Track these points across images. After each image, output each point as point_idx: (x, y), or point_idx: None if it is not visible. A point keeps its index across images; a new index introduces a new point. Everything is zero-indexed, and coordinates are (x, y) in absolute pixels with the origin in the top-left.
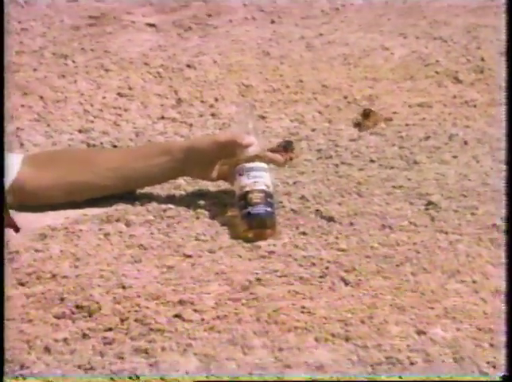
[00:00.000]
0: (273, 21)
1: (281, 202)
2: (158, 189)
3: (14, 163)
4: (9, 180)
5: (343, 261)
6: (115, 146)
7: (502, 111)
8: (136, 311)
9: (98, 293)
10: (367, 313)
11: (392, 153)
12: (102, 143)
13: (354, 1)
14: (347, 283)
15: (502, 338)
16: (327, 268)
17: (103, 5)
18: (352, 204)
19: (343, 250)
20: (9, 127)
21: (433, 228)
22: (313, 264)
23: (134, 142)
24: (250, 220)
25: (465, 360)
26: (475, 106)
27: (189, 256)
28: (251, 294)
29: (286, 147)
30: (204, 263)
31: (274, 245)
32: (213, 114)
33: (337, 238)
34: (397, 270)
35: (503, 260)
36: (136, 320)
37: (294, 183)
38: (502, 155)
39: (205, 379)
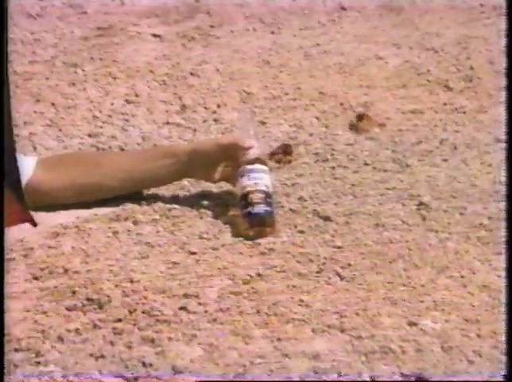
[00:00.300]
0: (272, 32)
1: (281, 202)
2: (164, 190)
3: (28, 165)
4: (23, 181)
5: (339, 257)
6: (123, 150)
7: (490, 117)
8: (143, 303)
9: (107, 287)
10: (361, 306)
11: (385, 156)
12: (110, 147)
13: (349, 13)
14: (342, 278)
15: (488, 329)
16: (323, 264)
17: (111, 17)
18: (347, 205)
19: (338, 247)
20: (22, 132)
21: (424, 227)
22: (310, 260)
23: (141, 146)
24: (251, 219)
25: (453, 349)
26: (464, 112)
27: (193, 253)
28: (252, 288)
29: (285, 150)
30: (208, 259)
31: (274, 243)
32: (216, 120)
33: (333, 236)
34: (389, 266)
35: (490, 257)
36: (143, 312)
37: (293, 184)
38: (490, 159)
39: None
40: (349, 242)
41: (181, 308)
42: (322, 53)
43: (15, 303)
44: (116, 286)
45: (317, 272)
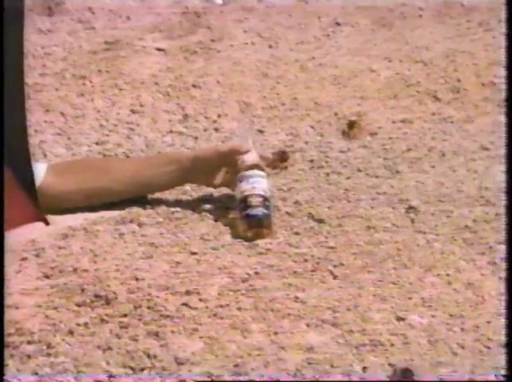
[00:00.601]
0: (270, 46)
1: (277, 206)
2: (167, 195)
3: (39, 171)
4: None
5: (332, 257)
6: (128, 157)
7: (476, 126)
8: (148, 300)
9: (114, 284)
10: (353, 303)
11: (377, 163)
12: (116, 154)
13: (344, 29)
14: (335, 277)
15: (472, 323)
16: (317, 263)
17: (118, 32)
18: (340, 208)
19: (332, 247)
20: (33, 140)
21: (413, 229)
22: (305, 260)
23: (145, 153)
24: (249, 221)
25: (438, 342)
26: (451, 122)
27: (195, 253)
28: (250, 285)
29: (282, 157)
30: (208, 258)
31: (271, 243)
32: (216, 129)
33: (327, 237)
34: (380, 265)
35: (474, 257)
36: (148, 307)
37: (289, 189)
38: (476, 165)
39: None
40: (342, 243)
41: (183, 304)
42: (317, 66)
43: (27, 300)
44: (122, 283)
45: (312, 271)
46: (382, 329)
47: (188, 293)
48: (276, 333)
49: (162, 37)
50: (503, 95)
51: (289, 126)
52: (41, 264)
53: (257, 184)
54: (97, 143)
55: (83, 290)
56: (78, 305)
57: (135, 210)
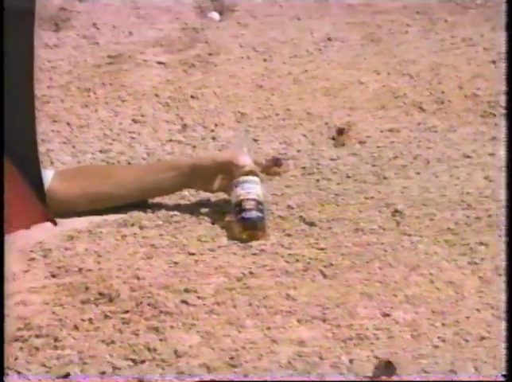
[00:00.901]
0: (265, 60)
1: (271, 210)
2: (167, 199)
3: (46, 177)
4: None
5: (322, 258)
6: (130, 164)
7: (459, 135)
8: (149, 297)
9: (117, 283)
10: (341, 300)
11: (365, 170)
12: (119, 161)
13: (335, 43)
14: (325, 276)
15: (452, 318)
16: (308, 264)
17: (120, 47)
18: (330, 212)
19: (322, 249)
20: (41, 149)
21: (398, 231)
22: (297, 260)
23: (146, 161)
24: (244, 224)
25: (421, 336)
26: (436, 131)
27: (193, 254)
28: (244, 284)
29: (275, 163)
30: (206, 259)
31: (264, 245)
32: (213, 138)
33: (317, 239)
34: (367, 265)
35: (456, 257)
36: (149, 304)
37: (282, 194)
38: (458, 172)
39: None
40: (331, 244)
41: (182, 301)
42: (310, 78)
43: (36, 297)
44: (124, 282)
45: (303, 270)
46: (368, 324)
47: (186, 291)
48: (269, 328)
49: (162, 51)
50: (486, 106)
51: (283, 135)
52: (48, 264)
53: (251, 189)
54: (101, 151)
55: (87, 288)
56: (83, 302)
57: (137, 214)
